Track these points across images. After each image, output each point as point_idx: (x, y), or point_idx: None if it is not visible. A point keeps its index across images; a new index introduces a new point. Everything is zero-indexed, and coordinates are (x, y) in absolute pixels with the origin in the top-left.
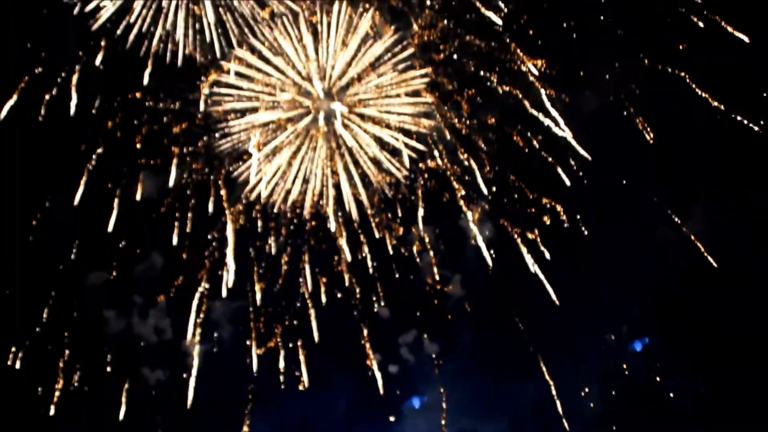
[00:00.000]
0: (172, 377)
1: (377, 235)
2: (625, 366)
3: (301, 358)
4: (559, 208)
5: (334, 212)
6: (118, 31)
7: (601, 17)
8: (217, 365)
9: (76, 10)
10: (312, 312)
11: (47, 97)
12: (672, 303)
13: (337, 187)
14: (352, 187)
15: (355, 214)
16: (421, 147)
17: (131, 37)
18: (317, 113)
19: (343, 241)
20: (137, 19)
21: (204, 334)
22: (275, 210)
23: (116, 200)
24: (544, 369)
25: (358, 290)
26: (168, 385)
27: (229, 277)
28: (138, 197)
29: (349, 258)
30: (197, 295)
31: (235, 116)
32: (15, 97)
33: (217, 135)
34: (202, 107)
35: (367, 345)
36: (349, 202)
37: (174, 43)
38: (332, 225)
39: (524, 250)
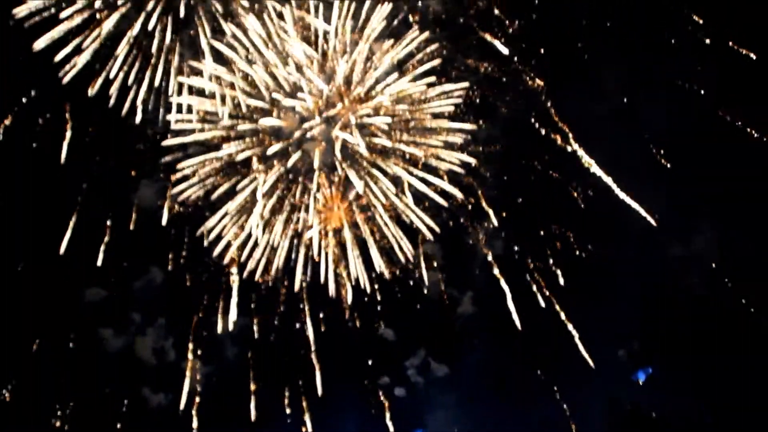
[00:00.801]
0: (172, 402)
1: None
2: (629, 395)
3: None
4: (569, 233)
5: (335, 281)
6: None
7: (608, 23)
8: (218, 389)
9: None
10: (315, 361)
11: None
12: (677, 331)
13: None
14: (361, 253)
15: (365, 284)
16: (459, 194)
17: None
18: (311, 145)
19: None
20: (119, 71)
21: (205, 356)
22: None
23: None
24: (557, 395)
25: (359, 322)
26: (168, 409)
27: (230, 313)
28: (131, 226)
29: (350, 300)
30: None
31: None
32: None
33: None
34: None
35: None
36: (358, 271)
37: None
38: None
39: (534, 277)
